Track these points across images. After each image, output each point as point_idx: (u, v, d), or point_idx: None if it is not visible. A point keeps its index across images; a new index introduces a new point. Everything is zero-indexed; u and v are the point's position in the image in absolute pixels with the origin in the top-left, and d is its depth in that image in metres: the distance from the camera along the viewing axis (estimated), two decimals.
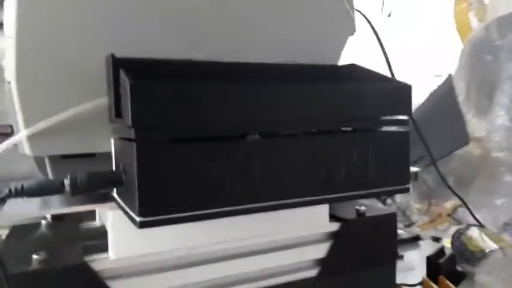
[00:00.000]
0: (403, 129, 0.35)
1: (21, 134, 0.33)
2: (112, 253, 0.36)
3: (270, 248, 0.43)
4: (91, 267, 0.35)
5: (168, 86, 0.26)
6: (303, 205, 0.32)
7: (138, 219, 0.26)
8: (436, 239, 0.88)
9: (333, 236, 0.46)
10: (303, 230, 0.44)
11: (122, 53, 0.32)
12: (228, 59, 0.36)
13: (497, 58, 0.88)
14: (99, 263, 0.36)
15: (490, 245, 0.81)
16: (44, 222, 0.45)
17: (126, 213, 0.30)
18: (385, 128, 0.35)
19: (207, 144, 0.28)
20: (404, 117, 0.35)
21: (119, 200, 0.32)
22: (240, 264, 0.41)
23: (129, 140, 0.27)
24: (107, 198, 0.35)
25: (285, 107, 0.30)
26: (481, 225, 0.87)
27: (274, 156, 0.30)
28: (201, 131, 0.28)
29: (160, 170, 0.26)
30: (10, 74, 0.33)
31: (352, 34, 0.44)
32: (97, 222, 0.47)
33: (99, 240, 0.40)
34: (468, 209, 0.86)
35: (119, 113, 0.29)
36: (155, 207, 0.27)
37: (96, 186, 0.30)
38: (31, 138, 0.33)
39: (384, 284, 0.48)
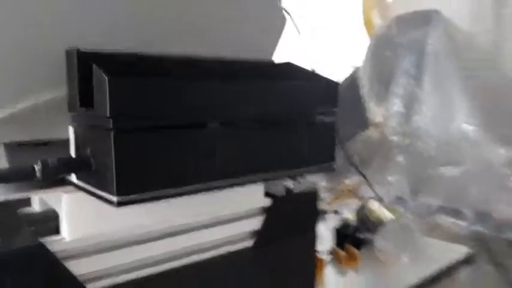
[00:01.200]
0: (330, 119, 0.42)
1: None
2: (66, 234, 0.38)
3: (214, 222, 0.47)
4: (48, 248, 0.37)
5: (140, 81, 0.30)
6: (251, 182, 0.37)
7: (115, 198, 0.29)
8: (340, 213, 0.99)
9: (266, 210, 0.52)
10: (243, 205, 0.49)
11: (78, 44, 0.33)
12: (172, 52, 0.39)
13: (395, 54, 1.01)
14: (55, 244, 0.38)
15: (386, 215, 0.94)
16: None
17: (94, 195, 0.32)
18: (317, 118, 0.41)
19: (172, 131, 0.32)
20: (333, 109, 0.42)
21: (82, 184, 0.35)
22: (185, 238, 0.45)
23: (104, 128, 0.30)
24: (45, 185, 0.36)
25: (238, 102, 0.35)
26: (379, 200, 1.00)
27: (230, 142, 0.35)
28: (167, 120, 0.31)
29: (133, 155, 0.30)
30: None
31: (283, 25, 0.49)
32: (33, 209, 0.48)
33: (44, 224, 0.42)
34: (369, 185, 0.99)
35: (86, 103, 0.32)
36: (130, 188, 0.30)
37: (65, 170, 0.32)
38: None
39: (308, 248, 0.56)
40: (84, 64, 0.33)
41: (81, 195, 0.38)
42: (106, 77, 0.28)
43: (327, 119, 0.41)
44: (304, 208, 0.55)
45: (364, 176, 0.96)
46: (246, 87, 0.35)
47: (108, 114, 0.28)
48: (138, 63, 0.35)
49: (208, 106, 0.33)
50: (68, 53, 0.34)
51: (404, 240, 0.93)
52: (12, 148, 0.36)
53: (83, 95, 0.33)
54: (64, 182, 0.39)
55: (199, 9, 0.43)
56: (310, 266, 0.57)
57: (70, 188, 0.39)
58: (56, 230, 0.39)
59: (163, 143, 0.31)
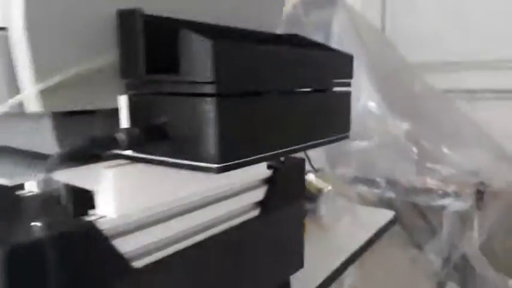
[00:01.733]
0: (348, 89, 0.46)
1: (32, 89, 0.30)
2: (113, 211, 0.36)
3: (228, 195, 0.48)
4: (97, 227, 0.35)
5: (239, 45, 0.30)
6: (301, 150, 0.39)
7: (215, 166, 0.29)
8: None
9: (268, 180, 0.54)
10: (251, 177, 0.51)
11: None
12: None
13: (303, 32, 1.09)
14: (102, 222, 0.36)
15: (324, 185, 1.02)
16: None
17: (166, 164, 0.31)
18: (335, 89, 0.45)
19: (266, 97, 0.32)
20: (349, 80, 0.46)
21: (142, 155, 0.33)
22: (208, 211, 0.45)
23: (198, 94, 0.29)
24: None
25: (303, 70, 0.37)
26: (315, 171, 1.08)
27: (295, 109, 0.37)
28: (261, 86, 0.32)
29: (231, 121, 0.30)
30: (12, 20, 0.29)
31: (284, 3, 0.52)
32: (33, 191, 0.44)
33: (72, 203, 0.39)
34: (307, 157, 1.06)
35: (152, 69, 0.31)
36: (228, 154, 0.30)
37: (149, 139, 0.30)
38: (44, 93, 0.30)
39: (300, 213, 0.60)
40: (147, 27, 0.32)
41: (128, 168, 0.36)
42: (210, 41, 0.28)
43: (345, 89, 0.45)
44: (296, 178, 0.59)
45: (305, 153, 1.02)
46: (306, 55, 0.37)
47: (212, 79, 0.28)
48: (209, 30, 0.34)
49: (289, 73, 0.34)
50: (125, 15, 0.32)
51: (341, 207, 1.02)
52: (59, 117, 0.33)
53: (150, 60, 0.32)
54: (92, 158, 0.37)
55: None
56: (301, 230, 0.61)
57: (109, 162, 0.36)
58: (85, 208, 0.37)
59: (258, 109, 0.32)
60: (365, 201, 1.30)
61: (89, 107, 0.34)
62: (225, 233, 0.47)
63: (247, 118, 0.32)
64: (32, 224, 0.32)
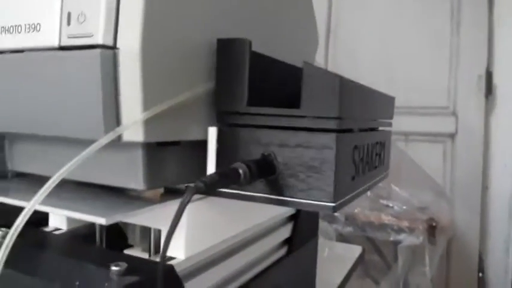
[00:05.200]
0: (390, 129, 0.48)
1: (140, 117, 0.27)
2: (181, 253, 0.33)
3: (261, 234, 0.46)
4: (176, 271, 0.32)
5: (352, 84, 0.30)
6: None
7: (331, 204, 0.28)
8: None
9: (293, 216, 0.53)
10: (279, 215, 0.49)
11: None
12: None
13: None
14: (175, 264, 0.33)
15: None
16: None
17: (278, 202, 0.30)
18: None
19: (362, 134, 0.32)
20: (391, 120, 0.48)
21: (237, 191, 0.31)
22: (249, 252, 0.43)
23: (320, 130, 0.28)
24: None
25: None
26: None
27: (372, 148, 0.37)
28: (361, 123, 0.32)
29: (342, 157, 0.29)
30: (127, 39, 0.26)
31: (317, 44, 0.53)
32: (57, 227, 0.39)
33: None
34: None
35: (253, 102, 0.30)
36: (340, 190, 0.29)
37: (259, 175, 0.28)
38: (148, 121, 0.27)
39: (316, 248, 0.59)
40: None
41: (197, 206, 0.34)
42: (336, 78, 0.27)
43: (388, 128, 0.47)
44: (315, 214, 0.59)
45: None
46: (377, 95, 0.38)
47: (336, 114, 0.28)
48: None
49: (376, 110, 0.34)
50: (229, 44, 0.31)
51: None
52: (151, 149, 0.30)
53: (255, 92, 0.30)
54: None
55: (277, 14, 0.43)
56: (315, 266, 0.61)
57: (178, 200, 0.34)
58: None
59: (359, 144, 0.32)
60: (326, 236, 1.32)
61: (184, 138, 0.31)
62: (262, 271, 0.45)
63: (353, 154, 0.32)
64: (112, 268, 0.29)
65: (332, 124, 0.28)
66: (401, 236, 1.33)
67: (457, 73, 1.61)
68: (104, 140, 0.26)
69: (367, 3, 1.69)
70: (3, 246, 0.23)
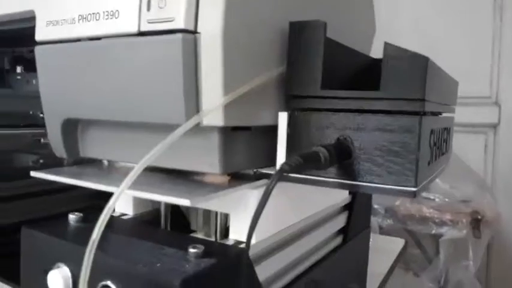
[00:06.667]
0: (452, 115, 0.46)
1: (220, 101, 0.27)
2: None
3: (318, 222, 0.46)
4: (249, 254, 0.32)
5: (434, 66, 0.29)
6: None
7: (413, 189, 0.28)
8: None
9: (348, 206, 0.53)
10: (333, 204, 0.49)
11: None
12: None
13: None
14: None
15: None
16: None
17: (356, 187, 0.29)
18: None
19: (434, 118, 0.32)
20: (455, 106, 0.46)
21: (309, 176, 0.31)
22: (311, 237, 0.43)
23: (404, 112, 0.28)
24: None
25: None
26: None
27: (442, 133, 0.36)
28: (436, 107, 0.31)
29: (422, 140, 0.29)
30: (208, 23, 0.26)
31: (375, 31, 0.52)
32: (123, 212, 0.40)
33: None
34: None
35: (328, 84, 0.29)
36: (420, 175, 0.29)
37: (338, 159, 0.28)
38: (227, 106, 0.27)
39: (368, 239, 0.59)
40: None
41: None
42: (425, 58, 0.27)
43: (451, 115, 0.45)
44: (366, 202, 0.58)
45: None
46: (446, 78, 0.37)
47: (421, 96, 0.27)
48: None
49: (446, 95, 0.33)
50: (303, 27, 0.30)
51: None
52: (226, 133, 0.30)
53: (326, 76, 0.30)
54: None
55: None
56: (367, 257, 0.60)
57: (247, 184, 0.34)
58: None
59: (434, 129, 0.31)
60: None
61: (257, 123, 0.31)
62: (320, 260, 0.45)
63: (429, 138, 0.31)
64: (190, 250, 0.29)
65: (416, 106, 0.27)
66: (444, 229, 1.29)
67: (500, 61, 1.55)
68: (189, 124, 0.26)
69: None
70: (96, 229, 0.24)
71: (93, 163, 0.39)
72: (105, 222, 0.24)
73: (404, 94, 0.27)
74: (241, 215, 0.33)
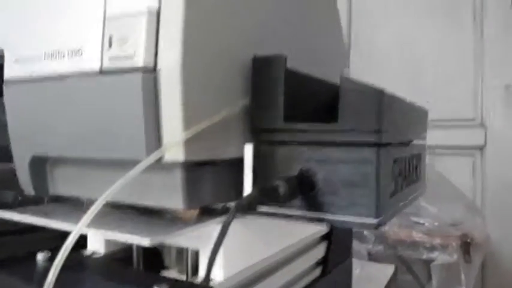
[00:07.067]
0: (424, 142, 0.47)
1: (181, 136, 0.27)
2: (219, 273, 0.33)
3: (293, 254, 0.45)
4: None
5: (392, 97, 0.29)
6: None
7: (373, 221, 0.28)
8: None
9: (326, 236, 0.52)
10: (311, 235, 0.48)
11: None
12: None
13: None
14: (215, 286, 0.32)
15: None
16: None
17: (317, 219, 0.29)
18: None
19: (396, 147, 0.32)
20: (425, 133, 0.47)
21: (274, 210, 0.31)
22: (281, 273, 0.42)
23: (360, 144, 0.28)
24: None
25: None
26: None
27: (409, 161, 0.36)
28: (396, 138, 0.31)
29: (382, 171, 0.29)
30: (168, 60, 0.27)
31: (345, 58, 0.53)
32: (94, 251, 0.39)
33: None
34: None
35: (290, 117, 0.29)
36: (382, 206, 0.29)
37: (301, 191, 0.28)
38: (188, 141, 0.28)
39: (350, 269, 0.58)
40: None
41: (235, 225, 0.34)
42: (379, 91, 0.27)
43: (423, 142, 0.46)
44: (346, 232, 0.58)
45: None
46: (415, 109, 0.37)
47: (376, 127, 0.27)
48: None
49: (410, 125, 0.34)
50: (264, 62, 0.31)
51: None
52: (189, 168, 0.30)
53: (289, 109, 0.30)
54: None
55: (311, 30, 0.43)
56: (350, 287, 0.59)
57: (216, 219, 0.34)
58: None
59: (400, 158, 0.31)
60: (357, 256, 1.29)
61: (221, 156, 0.31)
62: None
63: (392, 169, 0.31)
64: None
65: (372, 137, 0.28)
66: (434, 254, 1.28)
67: (483, 84, 1.58)
68: (149, 160, 0.26)
69: (387, 15, 1.68)
70: (53, 268, 0.24)
71: (72, 201, 0.39)
72: (61, 264, 0.24)
73: (361, 126, 0.28)
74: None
